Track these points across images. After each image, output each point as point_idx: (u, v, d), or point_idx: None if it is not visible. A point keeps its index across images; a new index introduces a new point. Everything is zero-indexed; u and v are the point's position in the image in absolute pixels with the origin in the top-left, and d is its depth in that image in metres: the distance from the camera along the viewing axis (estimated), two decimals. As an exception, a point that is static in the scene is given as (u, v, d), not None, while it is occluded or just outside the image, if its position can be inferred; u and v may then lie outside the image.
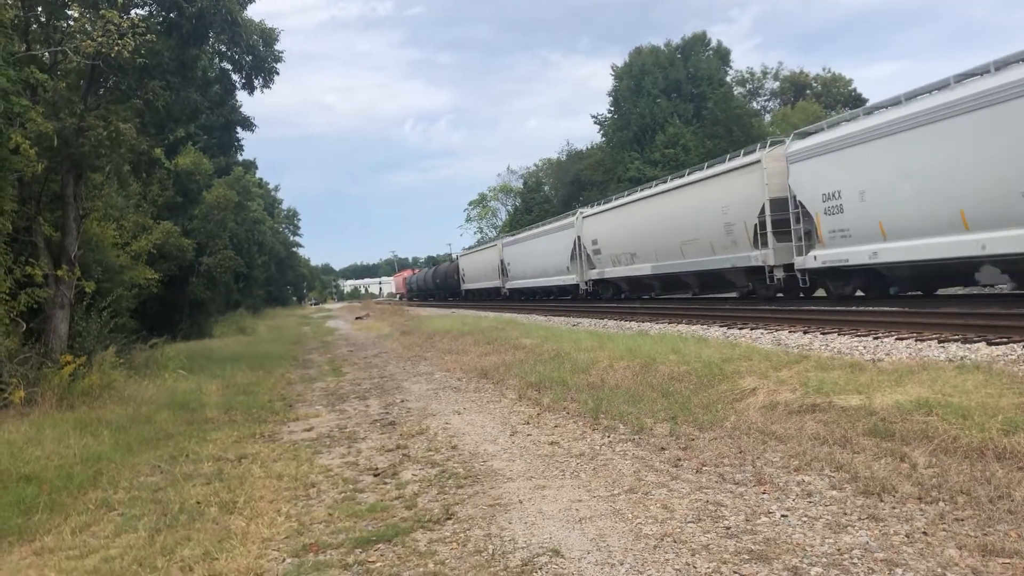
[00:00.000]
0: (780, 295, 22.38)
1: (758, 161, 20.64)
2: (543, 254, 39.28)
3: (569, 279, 35.72)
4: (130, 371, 15.12)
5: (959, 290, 18.47)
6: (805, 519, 5.11)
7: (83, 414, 11.00)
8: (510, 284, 46.82)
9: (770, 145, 21.17)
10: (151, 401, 12.58)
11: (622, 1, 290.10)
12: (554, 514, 5.69)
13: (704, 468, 6.56)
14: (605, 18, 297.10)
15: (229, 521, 6.03)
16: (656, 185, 28.08)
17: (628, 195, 30.39)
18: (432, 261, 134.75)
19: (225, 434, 10.01)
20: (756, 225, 20.65)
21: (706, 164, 25.19)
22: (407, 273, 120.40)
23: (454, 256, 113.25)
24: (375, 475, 7.39)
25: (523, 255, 43.54)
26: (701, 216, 23.39)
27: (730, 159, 23.21)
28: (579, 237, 34.09)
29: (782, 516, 5.21)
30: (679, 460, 6.89)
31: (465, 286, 59.23)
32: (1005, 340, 10.54)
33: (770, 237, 20.03)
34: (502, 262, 47.96)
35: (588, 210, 34.06)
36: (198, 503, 6.61)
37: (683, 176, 26.01)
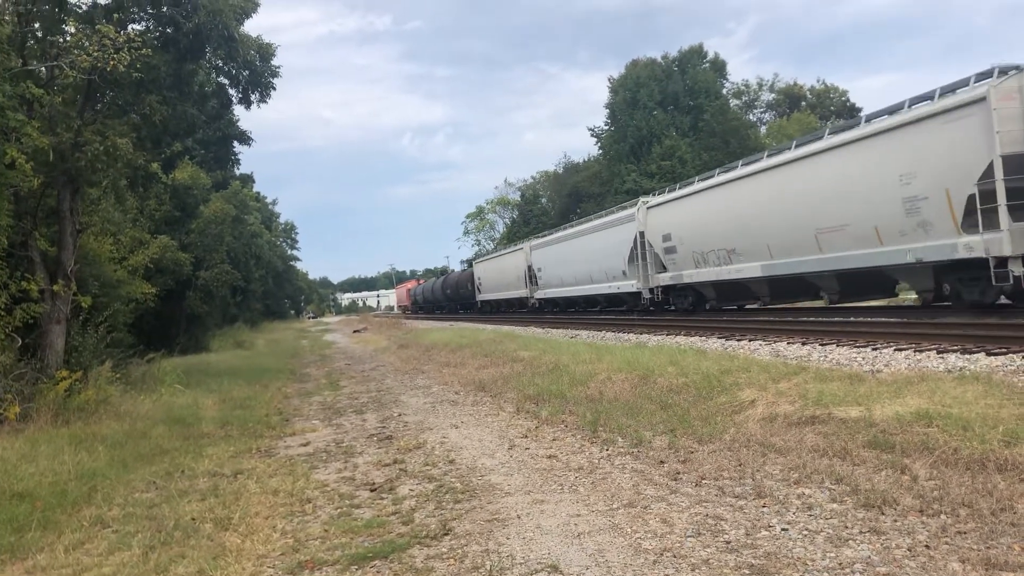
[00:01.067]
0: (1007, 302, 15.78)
1: (983, 99, 13.75)
2: (588, 256, 33.15)
3: (627, 285, 29.32)
4: (126, 386, 15.04)
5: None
6: (806, 533, 5.05)
7: (78, 430, 10.92)
8: (541, 294, 41.40)
9: (998, 76, 13.87)
10: (147, 416, 12.50)
11: (620, 14, 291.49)
12: (552, 529, 5.63)
13: (703, 481, 6.51)
14: (603, 31, 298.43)
15: (224, 537, 5.97)
16: (769, 157, 21.08)
17: (720, 173, 23.63)
18: (431, 274, 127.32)
19: (221, 449, 9.95)
20: (972, 197, 13.95)
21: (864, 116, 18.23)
22: (411, 284, 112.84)
23: (450, 268, 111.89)
24: (372, 490, 7.33)
25: (559, 258, 37.47)
26: (858, 189, 16.93)
27: (911, 105, 16.07)
28: (641, 233, 27.66)
29: (783, 530, 5.15)
30: (678, 473, 6.84)
31: (481, 296, 53.43)
32: (1004, 350, 10.51)
33: (1003, 212, 13.28)
34: (530, 268, 42.20)
35: (654, 199, 27.95)
36: (193, 519, 6.55)
37: (821, 139, 18.81)
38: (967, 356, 10.65)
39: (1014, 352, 10.35)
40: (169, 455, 9.71)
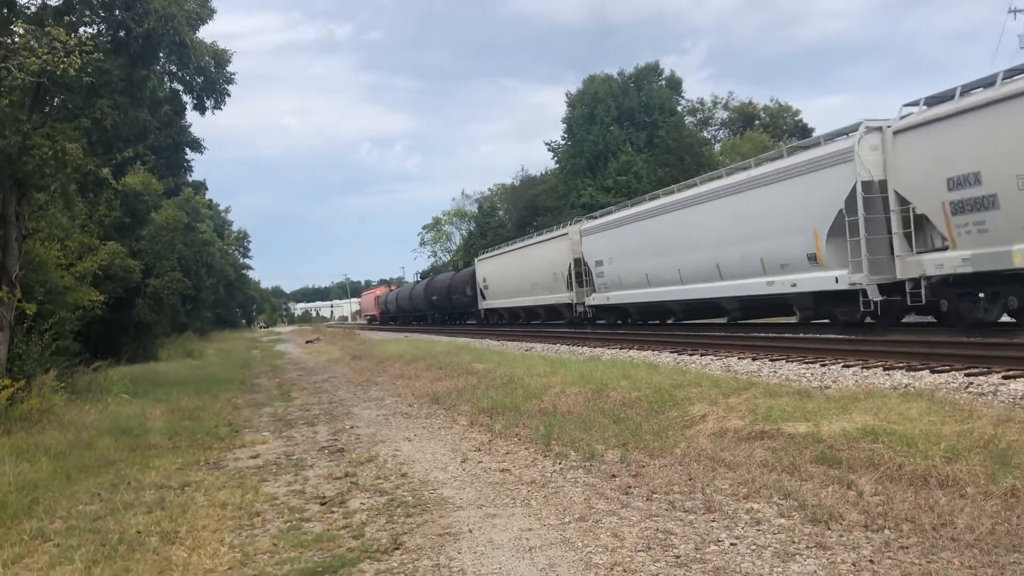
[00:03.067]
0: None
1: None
2: (712, 235, 21.70)
3: (831, 277, 17.37)
4: (72, 395, 14.72)
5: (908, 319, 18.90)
6: (754, 547, 5.12)
7: (20, 440, 10.65)
8: (600, 298, 28.88)
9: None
10: (93, 426, 12.24)
11: (578, 31, 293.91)
12: (504, 543, 5.62)
13: (654, 495, 6.56)
14: (562, 47, 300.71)
15: (170, 551, 5.86)
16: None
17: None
18: (388, 284, 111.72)
19: (169, 461, 9.77)
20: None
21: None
22: (380, 290, 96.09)
23: (405, 279, 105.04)
24: (322, 504, 7.26)
25: (649, 243, 25.02)
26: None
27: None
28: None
29: (731, 544, 5.21)
30: (629, 487, 6.88)
31: (487, 303, 43.44)
32: (947, 368, 10.77)
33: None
34: (579, 263, 30.66)
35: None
36: (138, 533, 6.42)
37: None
38: (912, 373, 10.89)
39: (956, 370, 10.61)
40: (115, 466, 9.51)
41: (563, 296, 32.57)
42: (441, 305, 54.32)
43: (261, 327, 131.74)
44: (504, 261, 40.78)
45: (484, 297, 43.76)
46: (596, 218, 31.24)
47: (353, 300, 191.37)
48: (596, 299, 29.45)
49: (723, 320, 23.73)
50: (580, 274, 30.74)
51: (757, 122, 69.86)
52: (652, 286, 25.17)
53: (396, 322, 74.13)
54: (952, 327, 15.13)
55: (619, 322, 30.25)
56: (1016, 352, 11.20)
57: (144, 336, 33.34)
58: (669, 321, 27.18)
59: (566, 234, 32.28)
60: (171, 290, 32.99)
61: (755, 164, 20.42)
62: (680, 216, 23.40)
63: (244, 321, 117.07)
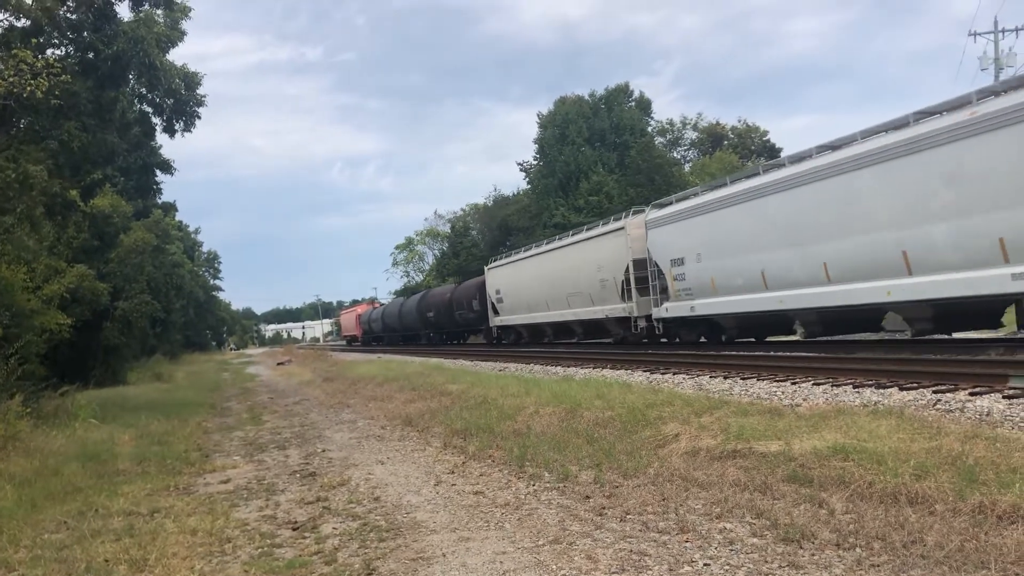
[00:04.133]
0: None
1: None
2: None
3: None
4: (38, 420, 14.46)
5: (869, 336, 19.10)
6: (727, 567, 5.13)
7: (-16, 468, 10.45)
8: (680, 308, 22.05)
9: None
10: (59, 452, 12.04)
11: (550, 52, 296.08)
12: (478, 567, 5.60)
13: (628, 516, 6.57)
14: (534, 68, 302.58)
15: (139, 581, 5.77)
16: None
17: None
18: (371, 301, 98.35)
19: (138, 487, 9.63)
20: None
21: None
22: (363, 308, 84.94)
23: (378, 300, 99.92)
24: (294, 529, 7.19)
25: (771, 228, 18.31)
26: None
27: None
28: None
29: (705, 565, 5.23)
30: (603, 509, 6.88)
31: (501, 319, 36.56)
32: (915, 385, 10.89)
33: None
34: (640, 265, 23.72)
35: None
36: (106, 561, 6.31)
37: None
38: (881, 391, 11.00)
39: (924, 387, 10.74)
40: (82, 493, 9.35)
41: (616, 308, 24.97)
42: (439, 322, 47.05)
43: (231, 349, 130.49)
44: (525, 269, 33.27)
45: (496, 312, 36.89)
46: (668, 204, 22.95)
47: (325, 321, 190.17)
48: (673, 310, 22.07)
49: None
50: (643, 278, 23.34)
51: (726, 142, 70.69)
52: (771, 289, 18.06)
53: (382, 343, 66.02)
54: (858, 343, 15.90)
55: (702, 340, 23.04)
56: (981, 369, 11.36)
57: (112, 359, 32.89)
58: (787, 338, 21.02)
59: (621, 228, 24.58)
60: (140, 313, 32.62)
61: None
62: (835, 185, 15.90)
63: (214, 343, 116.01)
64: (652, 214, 23.32)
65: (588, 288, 27.01)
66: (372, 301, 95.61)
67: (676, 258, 21.95)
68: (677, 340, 23.82)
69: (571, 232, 30.95)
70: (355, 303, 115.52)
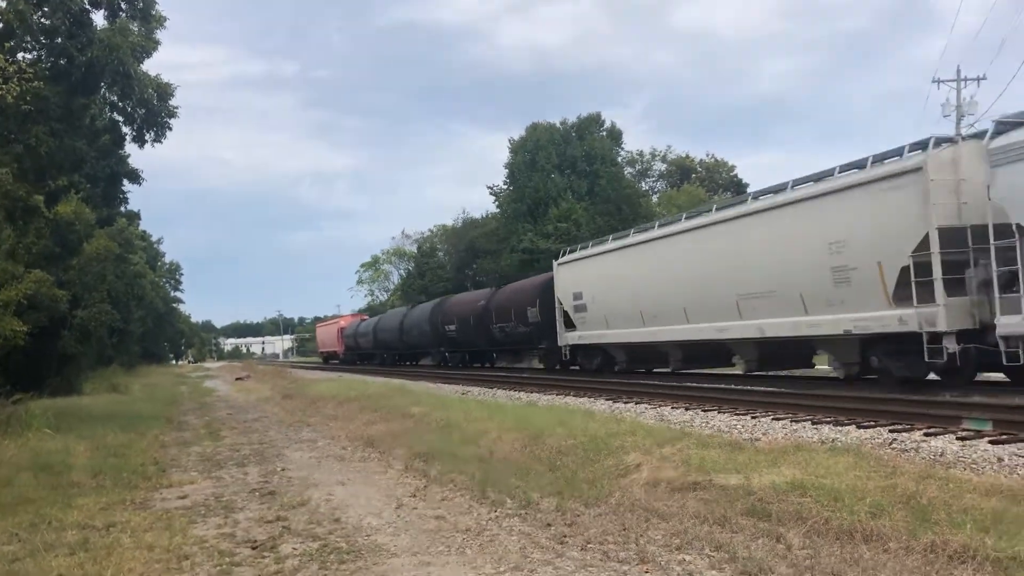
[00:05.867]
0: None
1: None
2: None
3: None
4: (-11, 429, 14.19)
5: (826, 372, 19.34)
6: (686, 599, 5.19)
7: (-66, 476, 10.23)
8: None
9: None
10: (11, 463, 11.81)
11: (523, 80, 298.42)
12: (439, 592, 5.61)
13: (589, 545, 6.61)
14: (506, 94, 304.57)
15: (94, 596, 5.69)
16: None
17: None
18: (362, 313, 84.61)
19: (92, 500, 9.47)
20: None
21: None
22: (347, 321, 72.06)
23: (351, 311, 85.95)
24: (253, 548, 7.13)
25: None
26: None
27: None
28: None
29: (664, 596, 5.28)
30: (565, 537, 6.92)
31: (578, 335, 26.87)
32: (873, 424, 11.11)
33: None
34: (960, 236, 13.37)
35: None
36: (60, 575, 6.22)
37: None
38: (839, 428, 11.20)
39: (881, 426, 10.96)
40: (34, 505, 9.18)
41: (884, 317, 14.56)
42: (466, 339, 36.90)
43: (189, 362, 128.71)
44: (637, 259, 23.03)
45: (571, 325, 27.16)
46: None
47: (286, 336, 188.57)
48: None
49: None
50: (962, 262, 13.43)
51: (694, 176, 71.61)
52: None
53: (371, 362, 56.43)
54: (867, 383, 16.00)
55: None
56: (936, 410, 11.61)
57: (68, 369, 32.33)
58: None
59: (917, 169, 13.81)
60: (99, 322, 32.16)
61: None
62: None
63: (172, 356, 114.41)
64: (1001, 140, 12.42)
65: (798, 282, 16.50)
66: (357, 313, 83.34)
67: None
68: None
69: (747, 195, 20.67)
70: (323, 319, 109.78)
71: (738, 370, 20.34)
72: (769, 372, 19.93)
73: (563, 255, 28.59)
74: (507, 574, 5.94)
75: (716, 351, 20.74)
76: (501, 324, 32.36)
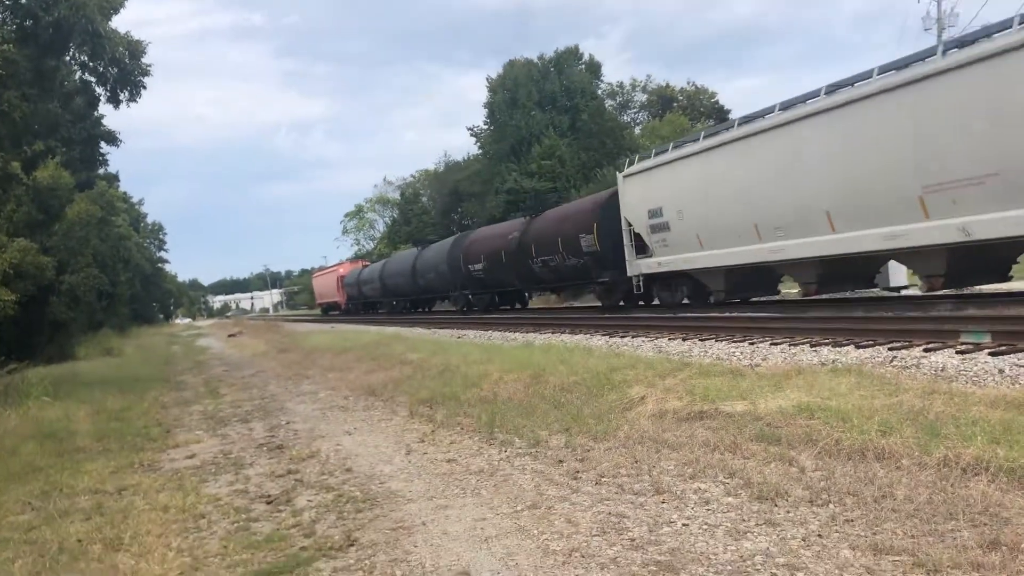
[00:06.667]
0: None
1: None
2: None
3: None
4: (-12, 400, 14.16)
5: (825, 296, 19.30)
6: (706, 527, 5.24)
7: (-62, 450, 10.21)
8: None
9: None
10: (14, 432, 11.79)
11: (497, 15, 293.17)
12: (459, 535, 5.64)
13: (603, 480, 6.65)
14: (481, 32, 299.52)
15: (116, 559, 5.70)
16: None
17: None
18: (308, 274, 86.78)
19: (101, 465, 9.47)
20: None
21: None
22: (347, 268, 66.50)
23: (328, 267, 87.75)
24: (268, 503, 7.16)
25: None
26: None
27: None
28: None
29: (683, 525, 5.33)
30: (577, 472, 6.96)
31: (657, 261, 21.69)
32: (871, 343, 11.15)
33: None
34: None
35: None
36: (79, 541, 6.23)
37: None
38: (838, 349, 11.24)
39: (880, 344, 11.00)
40: (43, 473, 9.18)
41: None
42: (495, 278, 32.50)
43: (180, 321, 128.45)
44: (749, 156, 17.73)
45: (645, 251, 22.10)
46: None
47: (274, 291, 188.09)
48: None
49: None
50: None
51: (675, 104, 70.97)
52: None
53: (375, 311, 53.39)
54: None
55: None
56: (932, 325, 11.67)
57: (60, 335, 32.23)
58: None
59: None
60: (87, 287, 31.94)
61: None
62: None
63: (162, 316, 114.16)
64: None
65: None
66: (357, 259, 76.91)
67: None
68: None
69: (934, 49, 13.87)
70: (306, 272, 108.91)
71: (916, 291, 16.32)
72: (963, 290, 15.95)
73: (628, 165, 23.07)
74: (525, 513, 5.98)
75: (868, 267, 16.69)
76: (545, 258, 27.25)
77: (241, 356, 30.42)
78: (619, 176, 23.31)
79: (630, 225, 22.57)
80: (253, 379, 19.83)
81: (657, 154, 21.76)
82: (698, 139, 19.87)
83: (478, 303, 35.71)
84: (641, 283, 22.41)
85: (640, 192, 22.11)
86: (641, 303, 24.30)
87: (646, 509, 5.75)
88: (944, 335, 10.87)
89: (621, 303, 25.30)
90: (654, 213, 21.30)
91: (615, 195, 23.62)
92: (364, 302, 56.87)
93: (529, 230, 29.26)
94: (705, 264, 19.69)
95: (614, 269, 23.40)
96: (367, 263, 64.33)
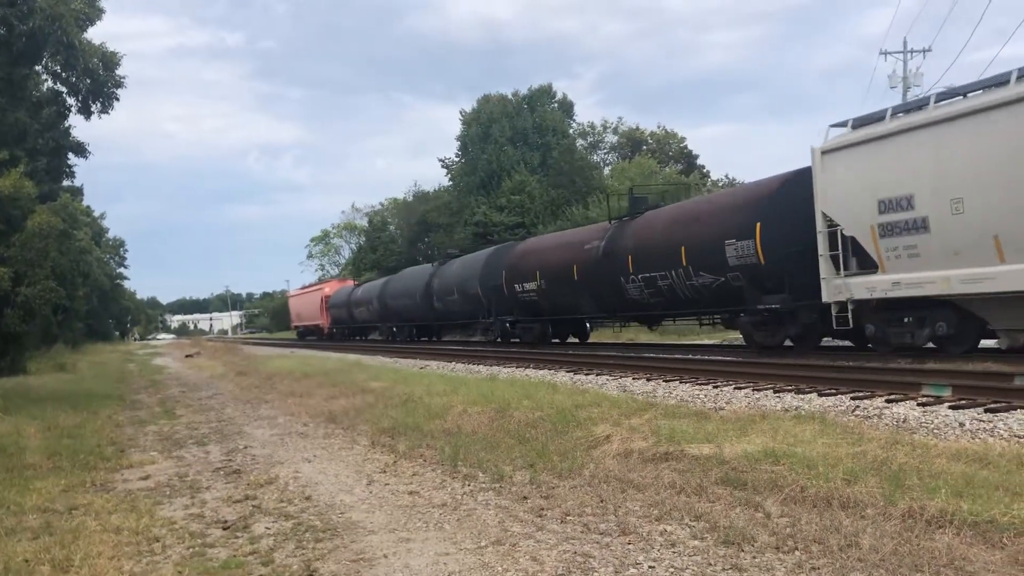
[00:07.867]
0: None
1: None
2: None
3: None
4: (-66, 412, 13.73)
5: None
6: (672, 570, 5.20)
7: None
8: None
9: None
10: (-40, 446, 11.44)
11: (473, 51, 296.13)
12: (422, 569, 5.54)
13: (568, 518, 6.60)
14: (457, 66, 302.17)
15: (64, 582, 5.52)
16: None
17: None
18: (270, 298, 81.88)
19: (51, 483, 9.20)
20: None
21: None
22: (332, 287, 59.90)
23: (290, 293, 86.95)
24: (224, 528, 6.99)
25: None
26: None
27: None
28: None
29: (650, 567, 5.28)
30: (542, 509, 6.90)
31: (896, 280, 13.65)
32: (833, 392, 11.25)
33: None
34: None
35: None
36: (27, 561, 6.01)
37: None
38: (801, 396, 11.33)
39: (842, 393, 11.11)
40: (-10, 489, 8.90)
41: None
42: (562, 302, 25.07)
43: (135, 340, 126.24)
44: None
45: (868, 263, 14.58)
46: None
47: (234, 313, 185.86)
48: None
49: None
50: None
51: (644, 147, 71.80)
52: None
53: (363, 337, 47.71)
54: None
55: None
56: (894, 377, 11.83)
57: (12, 348, 31.39)
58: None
59: None
60: (44, 300, 31.16)
61: None
62: None
63: (118, 333, 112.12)
64: None
65: None
66: (344, 278, 69.07)
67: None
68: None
69: None
70: (268, 296, 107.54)
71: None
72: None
73: (828, 135, 15.47)
74: (489, 548, 5.90)
75: None
76: (650, 274, 19.93)
77: (198, 377, 29.91)
78: (814, 153, 15.39)
79: (833, 225, 15.08)
80: (210, 401, 19.49)
81: (897, 113, 14.21)
82: (1008, 81, 12.16)
83: (523, 334, 27.70)
84: (847, 311, 14.87)
85: (859, 173, 14.52)
86: (846, 343, 17.18)
87: (612, 549, 5.70)
88: (905, 387, 11.01)
89: (787, 342, 17.50)
90: (892, 205, 13.88)
91: (791, 182, 16.61)
92: (354, 326, 50.30)
93: (622, 236, 21.73)
94: (1013, 286, 12.14)
95: (786, 293, 16.29)
96: (358, 282, 55.52)
